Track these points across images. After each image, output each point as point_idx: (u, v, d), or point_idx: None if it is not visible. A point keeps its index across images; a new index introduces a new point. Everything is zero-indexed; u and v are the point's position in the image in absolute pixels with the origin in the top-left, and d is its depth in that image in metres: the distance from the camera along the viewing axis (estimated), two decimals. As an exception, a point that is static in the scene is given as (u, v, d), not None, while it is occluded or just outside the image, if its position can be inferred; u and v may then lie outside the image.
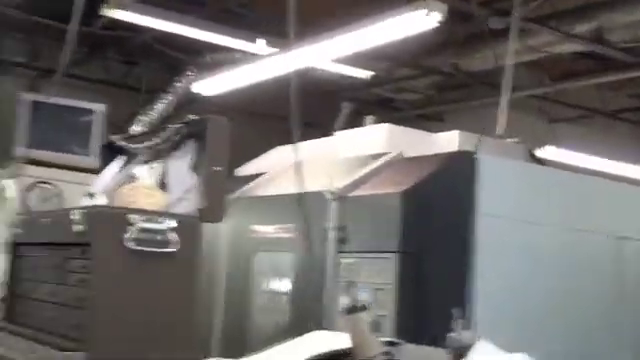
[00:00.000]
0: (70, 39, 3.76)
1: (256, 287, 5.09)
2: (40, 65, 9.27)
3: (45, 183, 6.79)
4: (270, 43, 7.27)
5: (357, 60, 7.84)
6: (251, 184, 5.78)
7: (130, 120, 8.37)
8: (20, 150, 7.17)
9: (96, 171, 3.32)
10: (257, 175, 6.00)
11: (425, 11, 5.05)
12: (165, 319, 2.30)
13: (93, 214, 2.34)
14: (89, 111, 8.02)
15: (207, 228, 2.44)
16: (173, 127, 2.70)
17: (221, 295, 5.49)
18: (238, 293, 5.27)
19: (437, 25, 5.24)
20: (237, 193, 5.66)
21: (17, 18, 8.30)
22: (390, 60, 9.09)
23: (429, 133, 5.41)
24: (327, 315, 4.29)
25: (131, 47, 9.03)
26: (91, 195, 2.91)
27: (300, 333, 2.94)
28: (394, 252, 4.09)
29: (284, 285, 4.87)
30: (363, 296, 3.68)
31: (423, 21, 5.17)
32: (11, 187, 7.22)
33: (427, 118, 11.22)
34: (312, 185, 4.13)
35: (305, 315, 4.49)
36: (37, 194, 6.52)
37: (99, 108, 8.04)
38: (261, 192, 5.53)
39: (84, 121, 7.96)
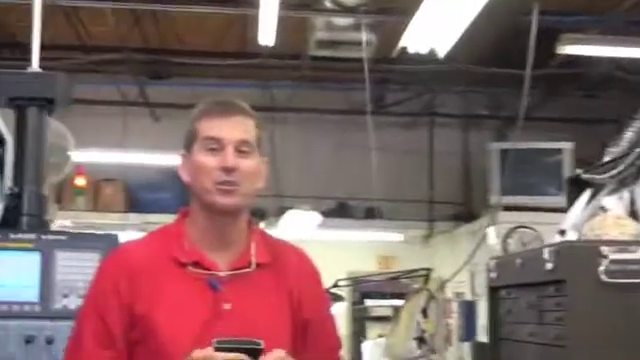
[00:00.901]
0: (526, 84, 3.82)
1: None
2: (504, 114, 9.53)
3: (524, 227, 6.88)
4: None
5: None
6: None
7: (600, 154, 8.16)
8: (495, 197, 7.44)
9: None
10: None
11: None
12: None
13: (564, 250, 2.31)
14: (557, 150, 8.05)
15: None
16: (636, 151, 2.57)
17: None
18: None
19: None
20: None
21: (479, 72, 8.67)
22: None
23: None
24: None
25: (589, 80, 8.86)
26: (562, 232, 2.88)
27: None
28: None
29: None
30: None
31: None
32: (492, 234, 7.49)
33: None
34: None
35: None
36: (516, 239, 6.63)
37: (566, 146, 8.01)
38: None
39: (553, 161, 7.98)
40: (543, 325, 2.39)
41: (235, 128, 2.09)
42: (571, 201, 3.06)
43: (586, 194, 3.02)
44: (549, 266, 2.29)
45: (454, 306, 9.07)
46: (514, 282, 2.64)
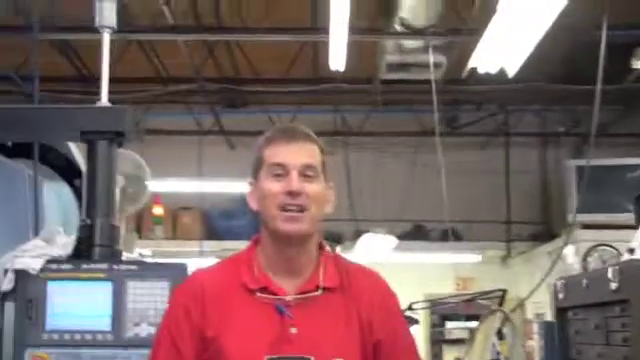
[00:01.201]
0: (596, 100, 3.76)
1: None
2: (580, 130, 9.38)
3: (604, 245, 6.73)
4: None
5: None
6: None
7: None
8: (572, 216, 7.30)
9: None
10: None
11: None
12: None
13: (627, 269, 2.27)
14: (636, 167, 7.85)
15: None
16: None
17: None
18: None
19: None
20: None
21: (554, 90, 8.56)
22: None
23: None
24: None
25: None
26: (631, 250, 2.82)
27: None
28: None
29: None
30: None
31: None
32: (570, 253, 7.35)
33: None
34: None
35: None
36: (596, 258, 6.48)
37: (646, 162, 7.81)
38: None
39: (632, 178, 7.79)
40: (610, 346, 2.34)
41: (299, 153, 2.13)
42: (640, 217, 3.00)
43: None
44: (613, 286, 2.25)
45: (535, 327, 8.91)
46: (581, 303, 2.59)
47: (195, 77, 8.38)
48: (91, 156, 3.06)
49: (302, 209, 2.10)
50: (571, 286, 2.70)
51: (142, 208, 6.70)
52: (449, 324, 7.13)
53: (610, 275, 2.29)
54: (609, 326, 2.36)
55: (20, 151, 3.68)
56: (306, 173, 2.12)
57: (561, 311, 2.78)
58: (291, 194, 2.09)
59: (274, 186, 2.11)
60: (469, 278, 10.17)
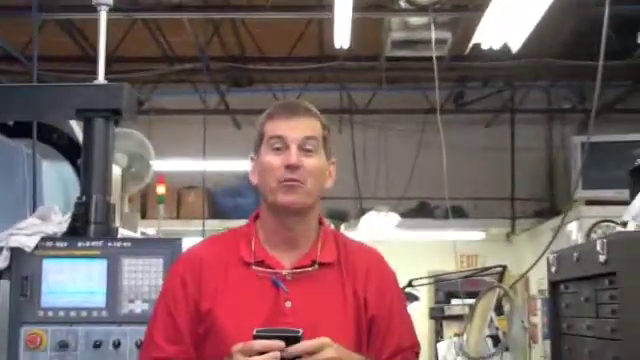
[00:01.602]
0: (598, 76, 3.74)
1: None
2: (587, 107, 9.34)
3: (608, 221, 6.73)
4: None
5: None
6: None
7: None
8: (578, 192, 7.28)
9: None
10: None
11: None
12: None
13: (615, 241, 2.27)
14: (646, 141, 7.82)
15: None
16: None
17: None
18: None
19: None
20: None
21: (560, 66, 8.51)
22: None
23: None
24: None
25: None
26: (623, 224, 2.82)
27: None
28: None
29: None
30: None
31: None
32: (574, 229, 7.34)
33: None
34: None
35: None
36: (600, 234, 6.47)
37: (655, 136, 7.77)
38: None
39: (637, 154, 7.75)
40: (599, 319, 2.35)
41: (299, 127, 2.15)
42: (634, 192, 2.99)
43: (651, 184, 2.95)
44: (602, 258, 2.25)
45: (538, 303, 8.92)
46: (572, 276, 2.60)
47: (200, 56, 8.37)
48: (87, 134, 3.07)
49: (300, 181, 2.12)
50: (562, 260, 2.71)
51: (146, 187, 6.73)
52: (454, 301, 7.15)
53: (599, 248, 2.29)
54: (598, 299, 2.36)
55: (23, 131, 3.71)
56: (306, 147, 2.14)
57: (553, 285, 2.79)
58: (290, 167, 2.11)
59: (273, 159, 2.13)
60: (473, 255, 10.19)
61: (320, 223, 2.25)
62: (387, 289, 2.24)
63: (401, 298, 2.36)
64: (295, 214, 2.15)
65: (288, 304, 2.10)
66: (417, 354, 2.26)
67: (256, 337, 1.94)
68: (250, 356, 1.93)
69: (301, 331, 1.94)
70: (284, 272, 2.13)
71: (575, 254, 2.54)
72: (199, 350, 2.12)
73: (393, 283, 2.30)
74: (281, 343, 1.92)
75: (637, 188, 2.99)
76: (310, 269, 2.15)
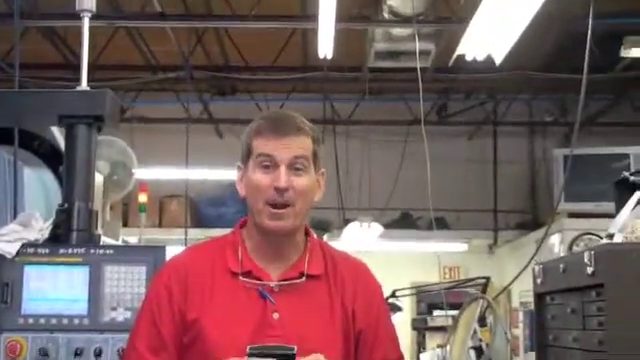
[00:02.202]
0: (583, 90, 3.76)
1: None
2: (568, 120, 9.40)
3: (591, 234, 6.74)
4: None
5: None
6: None
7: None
8: (560, 204, 7.31)
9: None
10: None
11: None
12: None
13: (603, 253, 2.26)
14: (624, 156, 7.86)
15: None
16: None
17: None
18: None
19: None
20: None
21: (543, 79, 8.55)
22: None
23: None
24: None
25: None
26: (610, 236, 2.82)
27: None
28: None
29: None
30: None
31: None
32: (557, 242, 7.36)
33: None
34: None
35: None
36: (582, 247, 6.48)
37: (633, 151, 7.82)
38: None
39: (620, 167, 7.80)
40: (586, 331, 2.33)
41: (289, 146, 2.10)
42: (620, 205, 2.99)
43: (635, 197, 2.95)
44: (589, 270, 2.25)
45: (520, 315, 8.94)
46: (558, 288, 2.59)
47: (184, 65, 8.35)
48: (70, 140, 3.04)
49: (289, 204, 2.09)
50: (548, 271, 2.70)
51: (128, 196, 6.68)
52: (436, 313, 7.15)
53: (586, 259, 2.28)
54: (585, 311, 2.35)
55: (4, 138, 3.66)
56: (295, 167, 2.10)
57: (539, 296, 2.78)
58: (279, 190, 2.07)
59: (262, 180, 2.09)
60: (456, 267, 10.20)
61: (306, 234, 2.23)
62: (374, 302, 2.23)
63: (387, 311, 2.35)
64: (282, 236, 2.14)
65: (275, 316, 2.08)
66: None
67: (250, 355, 1.91)
68: None
69: (295, 348, 1.91)
70: (272, 284, 2.11)
71: (561, 265, 2.53)
72: (182, 359, 2.09)
73: (379, 296, 2.29)
74: None
75: (622, 200, 2.99)
76: (298, 281, 2.13)
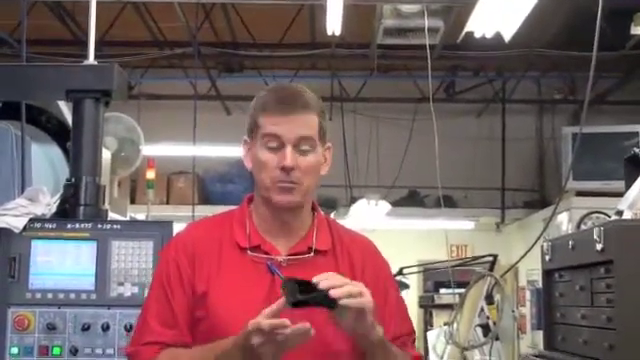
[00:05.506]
0: (592, 67, 3.72)
1: None
2: (577, 97, 9.34)
3: (599, 213, 6.71)
4: None
5: None
6: None
7: None
8: (568, 183, 7.28)
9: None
10: None
11: None
12: None
13: (612, 229, 2.25)
14: (633, 134, 7.82)
15: None
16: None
17: None
18: None
19: None
20: None
21: (552, 56, 8.49)
22: None
23: None
24: None
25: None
26: (619, 213, 2.80)
27: None
28: None
29: None
30: None
31: None
32: (564, 220, 7.33)
33: None
34: None
35: None
36: (590, 225, 6.46)
37: (643, 129, 7.78)
38: None
39: (629, 145, 7.75)
40: (594, 308, 2.33)
41: (295, 126, 2.08)
42: (629, 182, 2.97)
43: (645, 173, 2.92)
44: (599, 247, 2.24)
45: (527, 294, 8.94)
46: (567, 264, 2.58)
47: (191, 41, 8.31)
48: (77, 115, 3.03)
49: (295, 182, 2.08)
50: (557, 248, 2.69)
51: (136, 173, 6.66)
52: (442, 291, 7.16)
53: (595, 236, 2.27)
54: (594, 287, 2.34)
55: (11, 113, 3.65)
56: (302, 147, 2.09)
57: (547, 273, 2.77)
58: (285, 169, 2.06)
59: (269, 158, 2.08)
60: (463, 245, 10.19)
61: (313, 209, 2.22)
62: (381, 277, 2.22)
63: (395, 286, 2.34)
64: (290, 210, 2.13)
65: None
66: (414, 341, 2.24)
67: (294, 304, 1.89)
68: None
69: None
70: (279, 258, 2.11)
71: (571, 242, 2.52)
72: (194, 333, 2.09)
73: (387, 271, 2.29)
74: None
75: (632, 177, 2.97)
76: (306, 256, 2.12)
